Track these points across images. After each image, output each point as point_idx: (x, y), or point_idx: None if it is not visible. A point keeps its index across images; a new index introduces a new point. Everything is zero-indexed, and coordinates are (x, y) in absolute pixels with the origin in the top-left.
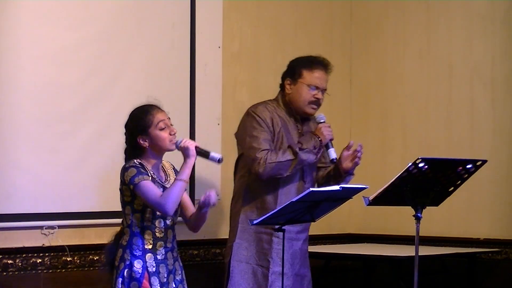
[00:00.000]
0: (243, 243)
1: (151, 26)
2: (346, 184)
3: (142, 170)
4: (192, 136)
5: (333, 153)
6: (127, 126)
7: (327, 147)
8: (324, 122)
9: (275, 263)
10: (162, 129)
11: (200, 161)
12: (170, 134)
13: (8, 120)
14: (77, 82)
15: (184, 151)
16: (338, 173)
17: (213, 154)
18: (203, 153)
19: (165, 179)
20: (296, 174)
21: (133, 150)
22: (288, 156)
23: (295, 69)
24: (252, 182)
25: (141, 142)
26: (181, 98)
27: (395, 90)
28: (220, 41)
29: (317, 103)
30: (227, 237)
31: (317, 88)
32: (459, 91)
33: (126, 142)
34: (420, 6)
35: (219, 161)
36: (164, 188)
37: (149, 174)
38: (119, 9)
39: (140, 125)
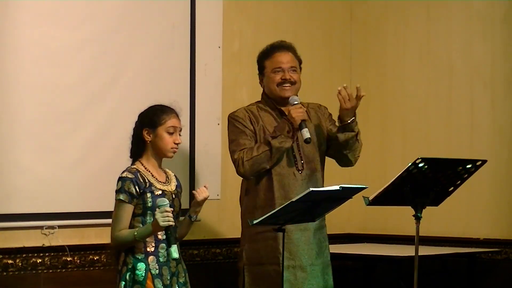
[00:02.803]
0: (251, 246)
1: (151, 26)
2: (346, 184)
3: (127, 187)
4: (192, 136)
5: (306, 133)
6: (141, 115)
7: (300, 127)
8: (296, 103)
9: (285, 258)
10: (169, 133)
11: (201, 161)
12: (175, 143)
13: (8, 120)
14: (77, 82)
15: (156, 221)
16: (341, 126)
17: (173, 249)
18: (168, 238)
19: (166, 181)
20: (287, 166)
21: (136, 141)
22: (263, 148)
23: (259, 64)
24: (249, 185)
25: (145, 134)
26: (181, 98)
27: (395, 90)
28: (220, 41)
29: (286, 82)
30: (227, 237)
31: (280, 69)
32: (459, 91)
33: (133, 130)
34: (420, 6)
35: (174, 259)
36: (163, 191)
37: (146, 180)
38: (119, 9)
39: (152, 119)
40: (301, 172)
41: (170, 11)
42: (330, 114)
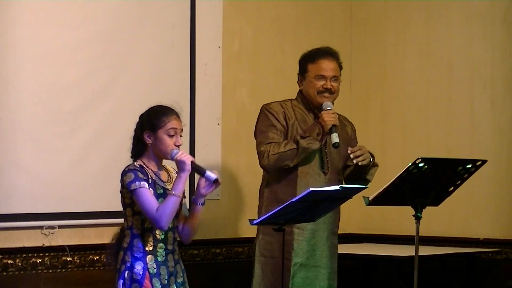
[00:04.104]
0: (266, 238)
1: (151, 26)
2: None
3: (140, 175)
4: (192, 136)
5: (335, 138)
6: (142, 116)
7: (330, 132)
8: (330, 109)
9: (296, 255)
10: (170, 136)
11: (201, 161)
12: (175, 145)
13: (8, 120)
14: (77, 82)
15: (179, 165)
16: (357, 170)
17: (208, 173)
18: (198, 170)
19: (168, 180)
20: (314, 166)
21: (137, 142)
22: (290, 146)
23: (302, 65)
24: (271, 179)
25: (146, 137)
26: (181, 98)
27: (395, 90)
28: (220, 41)
29: (327, 91)
30: (227, 237)
31: (323, 77)
32: (459, 91)
33: (134, 132)
34: (420, 6)
35: (215, 181)
36: (165, 190)
37: (149, 177)
38: (119, 9)
39: (152, 122)
40: (326, 174)
41: (170, 11)
42: (355, 134)
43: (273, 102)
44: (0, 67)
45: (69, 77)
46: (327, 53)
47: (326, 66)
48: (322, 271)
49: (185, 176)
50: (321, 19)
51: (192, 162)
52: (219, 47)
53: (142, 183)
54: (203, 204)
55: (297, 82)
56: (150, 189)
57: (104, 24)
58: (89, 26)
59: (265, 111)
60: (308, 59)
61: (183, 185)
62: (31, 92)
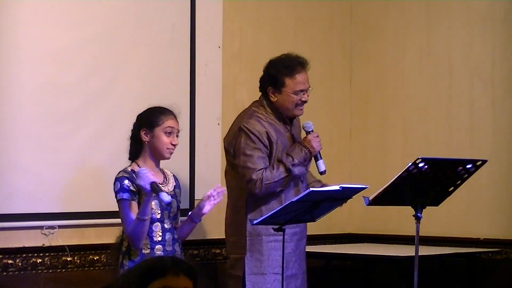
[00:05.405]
0: (255, 255)
1: (151, 26)
2: (346, 184)
3: (126, 185)
4: (192, 136)
5: (321, 165)
6: (139, 115)
7: (315, 158)
8: (312, 131)
9: (287, 268)
10: (166, 134)
11: (201, 161)
12: (171, 143)
13: (8, 120)
14: (77, 82)
15: (141, 186)
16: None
17: (162, 194)
18: (154, 189)
19: (163, 181)
20: (293, 178)
21: (134, 142)
22: (282, 174)
23: (276, 78)
24: (253, 199)
25: (143, 135)
26: (181, 98)
27: (395, 90)
28: (220, 41)
29: (304, 103)
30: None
31: (302, 91)
32: (459, 91)
33: (131, 131)
34: (420, 6)
35: (167, 203)
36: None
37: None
38: (119, 9)
39: (149, 120)
40: (303, 182)
41: (170, 11)
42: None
43: (250, 119)
44: (0, 67)
45: (69, 77)
46: (301, 64)
47: (303, 79)
48: (304, 276)
49: (147, 200)
50: (321, 19)
51: (151, 185)
52: (219, 47)
53: (127, 195)
54: (200, 221)
55: (268, 93)
56: (136, 201)
57: (104, 24)
58: (89, 26)
59: (247, 131)
60: (284, 73)
61: (147, 208)
62: (31, 92)
